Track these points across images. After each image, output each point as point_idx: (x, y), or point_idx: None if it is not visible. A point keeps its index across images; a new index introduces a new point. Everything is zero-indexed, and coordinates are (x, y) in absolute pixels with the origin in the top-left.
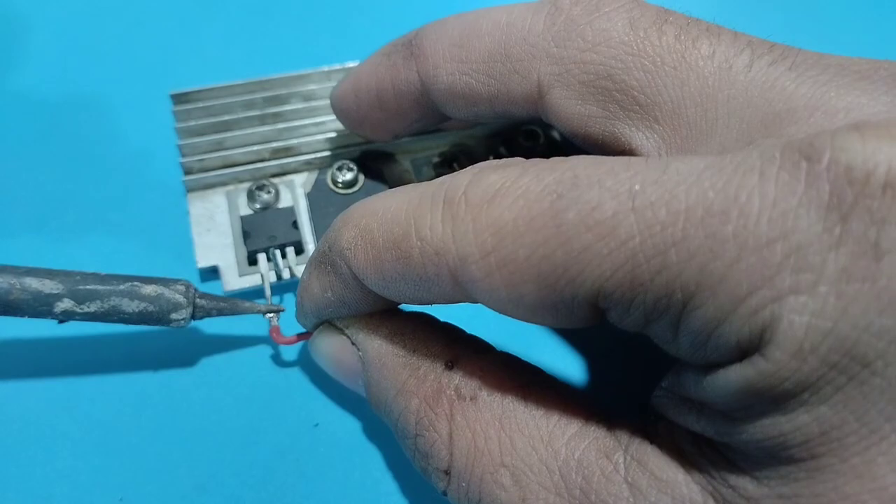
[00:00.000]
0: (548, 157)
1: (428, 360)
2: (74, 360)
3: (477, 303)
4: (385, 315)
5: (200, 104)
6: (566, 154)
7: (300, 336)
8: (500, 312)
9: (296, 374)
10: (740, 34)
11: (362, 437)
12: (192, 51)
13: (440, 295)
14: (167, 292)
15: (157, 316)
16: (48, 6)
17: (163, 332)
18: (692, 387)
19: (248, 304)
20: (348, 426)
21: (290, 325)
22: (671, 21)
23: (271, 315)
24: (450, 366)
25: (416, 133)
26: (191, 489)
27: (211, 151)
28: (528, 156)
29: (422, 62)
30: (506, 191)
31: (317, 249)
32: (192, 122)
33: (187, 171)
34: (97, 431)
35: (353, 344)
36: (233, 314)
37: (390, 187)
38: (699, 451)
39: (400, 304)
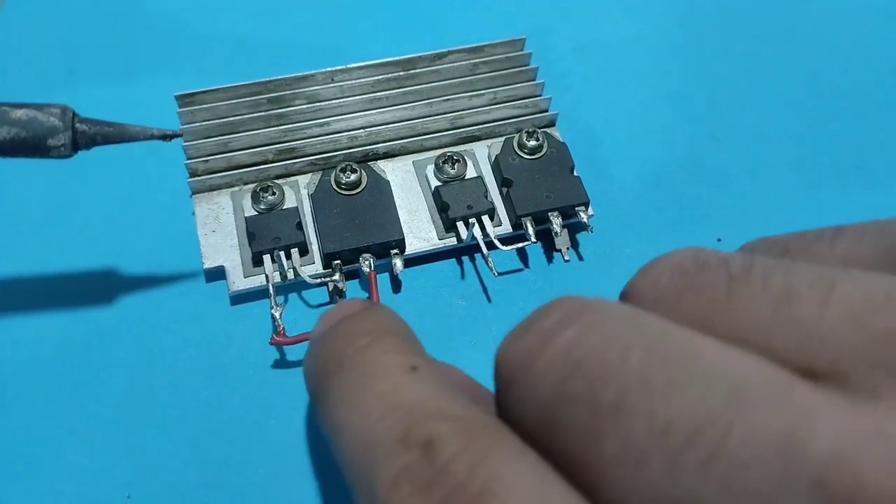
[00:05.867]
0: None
1: None
2: (82, 358)
3: None
4: None
5: (205, 105)
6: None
7: (301, 336)
8: None
9: (301, 374)
10: None
11: None
12: (196, 52)
13: None
14: (40, 115)
15: (32, 143)
16: (53, 7)
17: (168, 329)
18: None
19: (137, 128)
20: None
21: (292, 325)
22: None
23: (277, 317)
24: None
25: None
26: (197, 487)
27: (216, 153)
28: (531, 154)
29: None
30: None
31: None
32: (197, 124)
33: (192, 173)
34: (105, 430)
35: None
36: (122, 141)
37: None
38: None
39: None
